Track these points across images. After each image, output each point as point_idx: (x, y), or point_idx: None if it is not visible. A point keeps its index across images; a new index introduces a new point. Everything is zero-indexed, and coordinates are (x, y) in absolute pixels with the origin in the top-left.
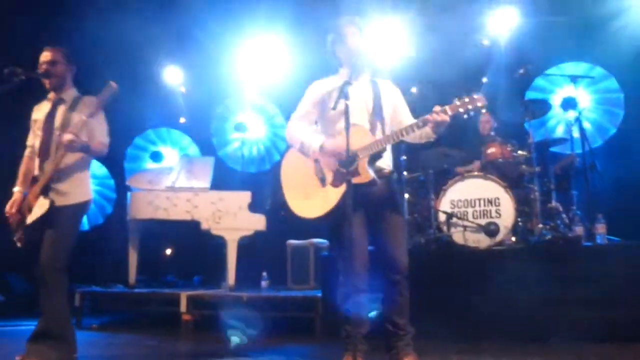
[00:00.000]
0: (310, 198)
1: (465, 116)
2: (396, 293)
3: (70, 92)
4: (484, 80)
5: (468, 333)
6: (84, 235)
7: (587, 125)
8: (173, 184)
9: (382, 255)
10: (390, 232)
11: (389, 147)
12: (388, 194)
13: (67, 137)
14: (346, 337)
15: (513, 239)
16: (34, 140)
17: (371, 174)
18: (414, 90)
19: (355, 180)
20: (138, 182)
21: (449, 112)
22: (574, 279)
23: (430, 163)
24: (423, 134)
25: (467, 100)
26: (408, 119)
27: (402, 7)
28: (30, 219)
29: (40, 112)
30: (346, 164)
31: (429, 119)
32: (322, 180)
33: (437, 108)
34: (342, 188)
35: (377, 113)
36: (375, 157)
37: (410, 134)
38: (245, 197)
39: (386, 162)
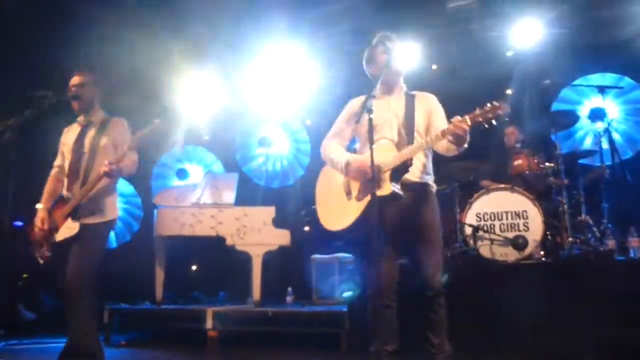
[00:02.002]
0: (336, 211)
1: (487, 126)
2: (429, 310)
3: (99, 114)
4: (508, 92)
5: (496, 348)
6: (112, 252)
7: (616, 136)
8: (198, 200)
9: (415, 271)
10: (424, 247)
11: (426, 161)
12: (423, 208)
13: (105, 169)
14: (373, 353)
15: (542, 252)
16: (62, 161)
17: (391, 187)
18: None
19: (380, 192)
20: (164, 200)
21: (469, 122)
22: (606, 294)
23: (455, 176)
24: (447, 148)
25: (487, 108)
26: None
27: (425, 20)
28: (57, 238)
29: (69, 134)
30: (371, 178)
31: (446, 131)
32: (348, 194)
33: (456, 119)
34: (364, 202)
35: (407, 126)
36: (398, 170)
37: (433, 146)
38: (269, 212)
39: (416, 174)
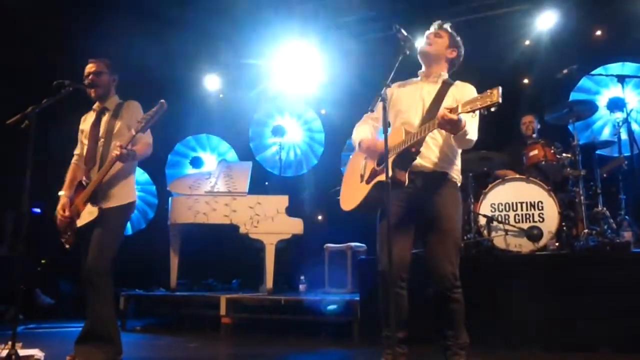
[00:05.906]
0: (350, 192)
1: (484, 112)
2: (442, 304)
3: (114, 100)
4: (526, 81)
5: (510, 340)
6: (128, 239)
7: (635, 127)
8: (212, 188)
9: (427, 264)
10: (437, 239)
11: (448, 150)
12: (436, 197)
13: (116, 152)
14: (385, 340)
15: (557, 244)
16: (80, 149)
17: (392, 173)
18: None
19: (380, 178)
20: (178, 188)
21: (459, 110)
22: (622, 287)
23: (469, 166)
24: (454, 139)
25: (479, 97)
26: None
27: (439, 9)
28: (79, 223)
29: (86, 122)
30: (381, 162)
31: (436, 120)
32: (362, 177)
33: (446, 108)
34: (369, 186)
35: (431, 113)
36: (403, 156)
37: (425, 135)
38: (282, 201)
39: (431, 162)
